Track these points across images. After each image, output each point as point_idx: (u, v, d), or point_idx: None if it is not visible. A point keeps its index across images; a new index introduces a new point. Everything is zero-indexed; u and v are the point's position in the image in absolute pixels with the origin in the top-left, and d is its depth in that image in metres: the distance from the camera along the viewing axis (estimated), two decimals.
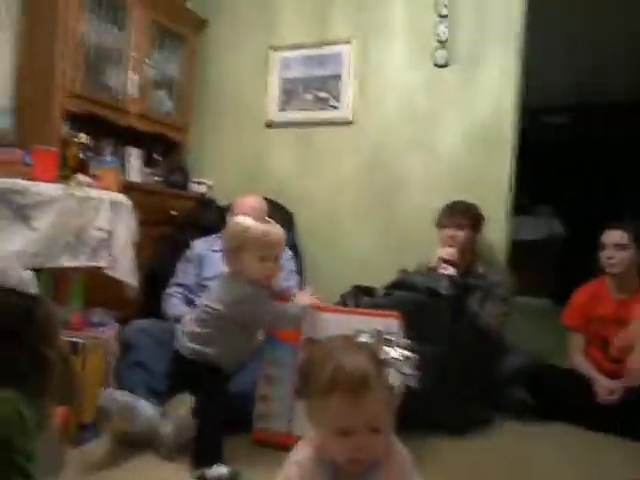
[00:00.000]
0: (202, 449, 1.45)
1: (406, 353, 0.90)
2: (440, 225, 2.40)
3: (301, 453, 0.91)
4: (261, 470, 1.43)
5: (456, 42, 2.70)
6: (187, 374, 1.55)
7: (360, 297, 2.56)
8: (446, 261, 2.23)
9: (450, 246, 2.33)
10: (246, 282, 1.50)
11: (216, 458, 1.43)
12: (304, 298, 1.65)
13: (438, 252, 2.30)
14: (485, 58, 2.65)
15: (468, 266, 2.31)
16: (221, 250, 2.32)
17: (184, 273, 2.30)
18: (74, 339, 1.60)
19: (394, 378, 0.85)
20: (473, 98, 2.68)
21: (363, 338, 0.90)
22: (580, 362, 2.20)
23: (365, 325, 1.48)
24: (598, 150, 6.03)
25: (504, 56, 2.61)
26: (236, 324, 1.52)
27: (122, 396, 1.51)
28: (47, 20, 2.51)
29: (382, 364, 0.86)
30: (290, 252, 2.46)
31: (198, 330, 1.53)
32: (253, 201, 2.34)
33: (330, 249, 2.97)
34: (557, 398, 2.09)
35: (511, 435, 1.92)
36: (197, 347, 1.51)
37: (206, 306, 1.54)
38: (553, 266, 5.72)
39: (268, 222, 1.55)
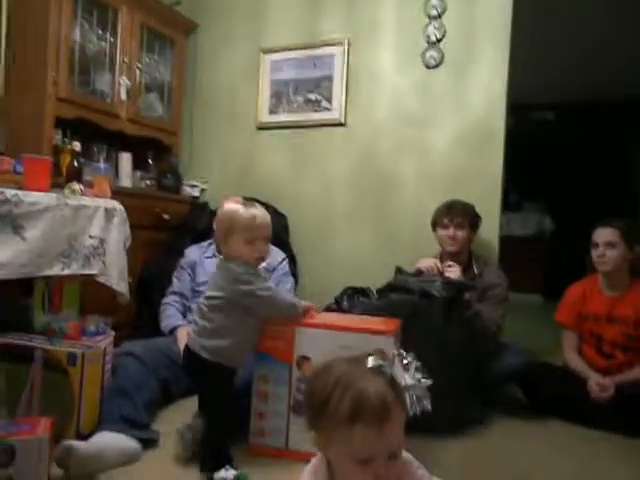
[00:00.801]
0: (212, 451, 1.45)
1: (420, 376, 0.85)
2: (439, 225, 2.42)
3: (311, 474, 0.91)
4: (262, 473, 1.46)
5: (446, 43, 2.72)
6: (196, 372, 1.53)
7: (355, 299, 2.58)
8: (420, 272, 2.22)
9: (450, 245, 2.36)
10: (239, 262, 1.49)
11: (225, 461, 1.43)
12: (306, 303, 1.66)
13: (418, 262, 2.29)
14: (475, 57, 2.67)
15: (464, 266, 2.32)
16: (214, 256, 2.35)
17: (180, 281, 2.31)
18: (72, 350, 1.60)
19: (411, 403, 0.82)
20: (464, 97, 2.69)
21: (373, 361, 0.84)
22: (573, 359, 2.23)
23: (359, 342, 1.49)
24: (586, 146, 6.10)
25: (493, 54, 2.63)
26: (240, 309, 1.49)
27: (81, 447, 1.38)
28: (37, 26, 2.48)
29: (400, 389, 0.82)
30: (284, 254, 2.47)
31: (204, 323, 1.49)
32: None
33: (323, 251, 2.98)
34: (551, 396, 2.11)
35: (506, 433, 1.94)
36: (206, 342, 1.47)
37: (207, 298, 1.51)
38: (542, 262, 5.78)
39: (253, 205, 1.54)
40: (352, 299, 2.58)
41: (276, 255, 2.37)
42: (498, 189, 2.64)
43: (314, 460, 0.94)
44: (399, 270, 2.26)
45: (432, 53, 2.73)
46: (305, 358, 1.59)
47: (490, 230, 2.61)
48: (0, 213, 1.57)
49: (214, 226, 1.56)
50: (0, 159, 2.00)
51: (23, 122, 2.48)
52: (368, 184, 2.91)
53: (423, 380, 0.85)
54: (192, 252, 2.38)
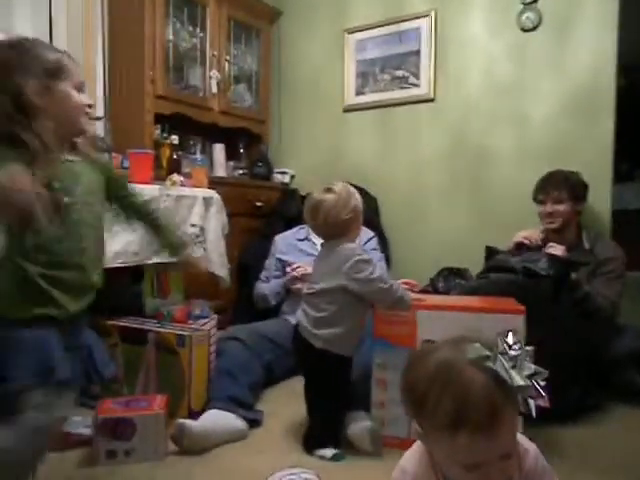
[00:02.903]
0: (318, 432, 1.49)
1: (532, 369, 0.72)
2: (537, 201, 2.25)
3: (411, 465, 0.86)
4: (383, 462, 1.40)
5: (544, 2, 2.50)
6: (306, 358, 1.54)
7: (451, 280, 2.49)
8: (521, 245, 2.08)
9: (549, 223, 2.18)
10: (344, 244, 1.49)
11: (330, 441, 1.47)
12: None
13: (516, 235, 2.17)
14: (578, 15, 2.44)
15: (572, 241, 2.15)
16: (306, 239, 2.36)
17: (268, 269, 2.39)
18: (180, 332, 1.69)
19: (524, 405, 0.70)
20: (567, 60, 2.47)
21: (476, 352, 0.73)
22: None
23: (489, 323, 1.38)
24: None
25: (601, 9, 2.38)
26: (352, 296, 1.47)
27: (193, 426, 1.47)
28: (134, 29, 2.63)
29: (508, 387, 0.71)
30: (372, 233, 2.42)
31: (314, 314, 1.49)
32: None
33: (416, 232, 2.91)
34: None
35: (626, 421, 1.78)
36: (319, 331, 1.47)
37: (315, 284, 1.51)
38: None
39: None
40: (448, 280, 2.50)
41: (364, 234, 2.34)
42: (609, 157, 2.40)
43: (416, 446, 0.88)
44: (493, 250, 2.12)
45: (528, 14, 2.53)
46: (431, 342, 1.53)
47: (601, 202, 2.40)
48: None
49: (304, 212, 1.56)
50: (109, 155, 2.15)
51: (126, 120, 2.64)
52: (461, 160, 2.78)
53: (537, 374, 0.72)
54: (280, 241, 2.42)
